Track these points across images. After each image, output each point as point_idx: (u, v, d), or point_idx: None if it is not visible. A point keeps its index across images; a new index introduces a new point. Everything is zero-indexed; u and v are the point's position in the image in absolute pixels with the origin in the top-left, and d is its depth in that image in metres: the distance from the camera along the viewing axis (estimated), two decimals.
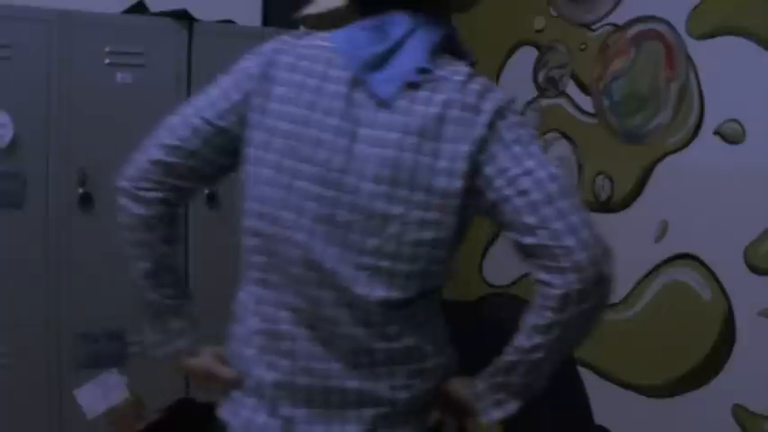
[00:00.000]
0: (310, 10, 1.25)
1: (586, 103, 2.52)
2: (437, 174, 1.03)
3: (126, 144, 2.24)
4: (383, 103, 1.05)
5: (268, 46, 1.12)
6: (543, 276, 1.04)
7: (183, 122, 1.13)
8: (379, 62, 1.06)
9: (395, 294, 1.06)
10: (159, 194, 1.13)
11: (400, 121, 1.03)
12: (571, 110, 2.59)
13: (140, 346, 2.32)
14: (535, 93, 2.76)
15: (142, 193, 1.14)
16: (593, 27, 2.49)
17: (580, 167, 2.54)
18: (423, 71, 1.05)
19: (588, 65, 2.51)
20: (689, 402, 2.14)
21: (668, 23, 2.19)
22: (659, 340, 2.24)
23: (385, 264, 1.05)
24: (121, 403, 2.31)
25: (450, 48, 1.11)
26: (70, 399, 2.25)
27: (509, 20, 2.85)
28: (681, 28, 2.15)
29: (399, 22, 1.08)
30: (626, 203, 2.35)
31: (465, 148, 1.03)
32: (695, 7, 2.11)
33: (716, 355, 2.05)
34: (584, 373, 2.51)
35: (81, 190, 2.21)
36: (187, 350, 1.27)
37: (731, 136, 2.02)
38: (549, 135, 2.67)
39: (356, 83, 1.06)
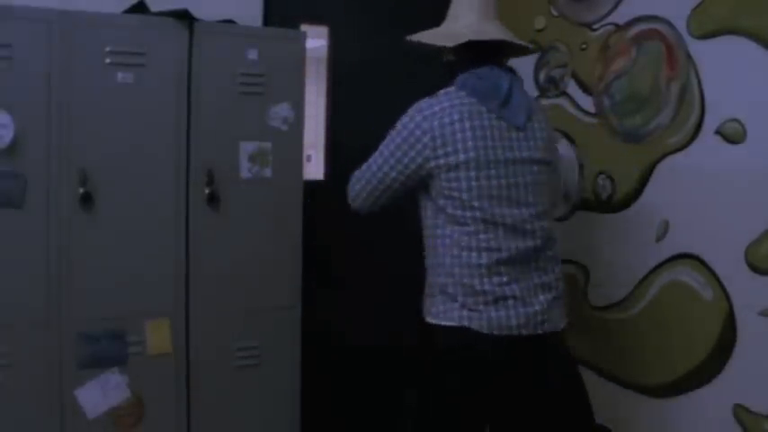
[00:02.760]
0: (420, 38, 2.11)
1: (587, 102, 2.52)
2: (548, 153, 1.95)
3: (127, 143, 2.27)
4: (519, 128, 1.89)
5: (424, 112, 1.88)
6: None
7: (381, 181, 1.96)
8: (505, 102, 1.88)
9: (548, 226, 1.92)
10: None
11: (531, 135, 1.91)
12: (572, 110, 2.59)
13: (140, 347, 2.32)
14: (536, 92, 2.76)
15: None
16: (594, 27, 2.49)
17: (581, 167, 2.54)
18: (530, 105, 1.93)
19: (589, 64, 2.51)
20: (690, 402, 2.14)
21: (669, 23, 2.19)
22: (660, 340, 2.24)
23: (543, 207, 1.90)
24: (122, 403, 2.31)
25: None
26: (71, 399, 2.25)
27: (510, 19, 2.84)
28: (682, 28, 2.15)
29: (503, 74, 1.91)
30: (627, 203, 2.36)
31: (547, 137, 1.97)
32: (696, 7, 2.11)
33: (717, 354, 2.05)
34: (585, 373, 2.51)
35: (82, 190, 2.20)
36: None
37: (732, 136, 2.02)
38: None
39: (498, 117, 1.86)
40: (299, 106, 2.50)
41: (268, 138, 2.46)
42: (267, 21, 2.88)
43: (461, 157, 1.82)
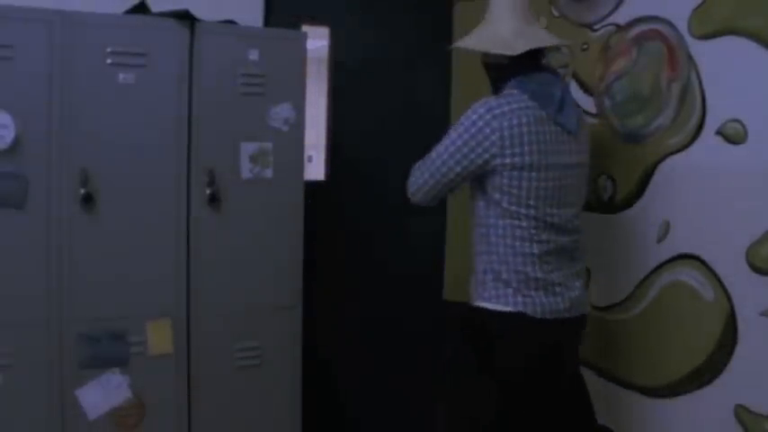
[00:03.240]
0: (475, 45, 2.12)
1: (588, 103, 2.52)
2: (588, 156, 2.16)
3: (128, 144, 2.27)
4: (571, 133, 2.05)
5: (494, 112, 1.96)
6: None
7: (444, 175, 2.05)
8: (560, 108, 2.02)
9: (580, 225, 2.14)
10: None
11: (580, 140, 2.10)
12: None
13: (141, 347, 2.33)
14: None
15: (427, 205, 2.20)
16: (595, 27, 2.49)
17: None
18: (578, 110, 2.15)
19: (590, 65, 2.51)
20: (691, 403, 2.14)
21: (670, 23, 2.19)
22: (661, 340, 2.24)
23: (580, 207, 2.14)
24: (123, 404, 2.31)
25: None
26: (72, 399, 2.25)
27: None
28: (682, 28, 2.15)
29: (556, 82, 2.07)
30: (628, 203, 2.35)
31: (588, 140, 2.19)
32: (697, 7, 2.11)
33: (717, 355, 2.05)
34: (586, 373, 2.51)
35: (83, 190, 2.20)
36: None
37: (733, 136, 2.01)
38: None
39: (555, 123, 2.00)
40: (299, 107, 2.50)
41: (269, 138, 2.46)
42: (268, 21, 2.88)
43: (526, 159, 1.96)
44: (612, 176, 2.42)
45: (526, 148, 1.95)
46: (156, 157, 2.31)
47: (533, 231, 2.00)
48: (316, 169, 3.06)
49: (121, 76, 2.25)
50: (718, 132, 2.05)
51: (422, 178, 2.10)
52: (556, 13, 2.66)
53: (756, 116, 1.95)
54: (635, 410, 2.33)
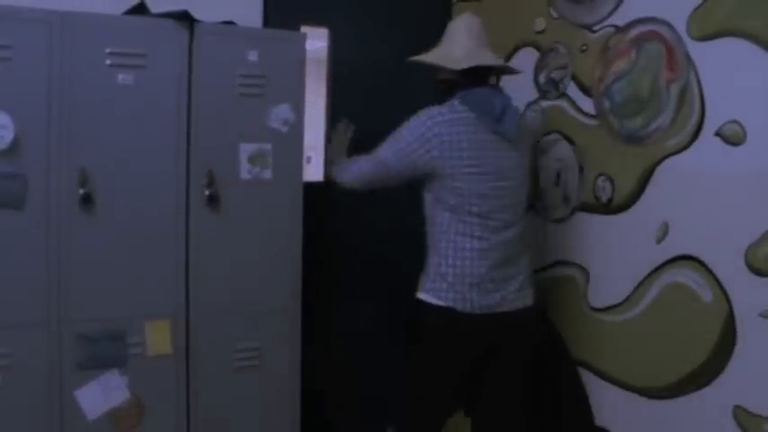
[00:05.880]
0: (428, 59, 2.35)
1: (587, 104, 2.52)
2: (525, 158, 2.35)
3: (127, 145, 2.27)
4: (510, 141, 2.23)
5: (435, 119, 2.18)
6: None
7: (387, 167, 2.25)
8: (500, 118, 2.20)
9: (522, 223, 2.30)
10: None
11: (518, 147, 2.28)
12: (572, 111, 2.59)
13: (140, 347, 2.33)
14: (536, 94, 2.76)
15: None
16: (594, 28, 2.49)
17: (581, 169, 2.54)
18: (518, 120, 2.28)
19: (589, 66, 2.51)
20: (689, 403, 2.14)
21: (669, 25, 2.19)
22: (660, 341, 2.24)
23: (522, 207, 2.30)
24: (122, 404, 2.31)
25: None
26: (70, 399, 2.25)
27: (510, 21, 2.86)
28: (681, 29, 2.16)
29: (497, 95, 2.25)
30: (627, 205, 2.36)
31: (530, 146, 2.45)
32: (696, 9, 2.11)
33: (716, 356, 2.05)
34: (585, 374, 2.51)
35: (82, 191, 2.20)
36: None
37: (732, 137, 2.02)
38: (550, 136, 2.67)
39: (493, 131, 2.19)
40: (298, 108, 2.50)
41: (268, 139, 2.46)
42: (267, 22, 2.88)
43: (464, 162, 2.16)
44: (611, 178, 2.42)
45: (465, 153, 2.15)
46: (155, 158, 2.31)
47: (475, 228, 2.19)
48: (315, 170, 3.06)
49: (120, 76, 2.25)
50: (717, 133, 2.06)
51: (364, 167, 2.30)
52: (555, 15, 2.67)
53: (755, 117, 1.95)
54: (633, 412, 2.33)
